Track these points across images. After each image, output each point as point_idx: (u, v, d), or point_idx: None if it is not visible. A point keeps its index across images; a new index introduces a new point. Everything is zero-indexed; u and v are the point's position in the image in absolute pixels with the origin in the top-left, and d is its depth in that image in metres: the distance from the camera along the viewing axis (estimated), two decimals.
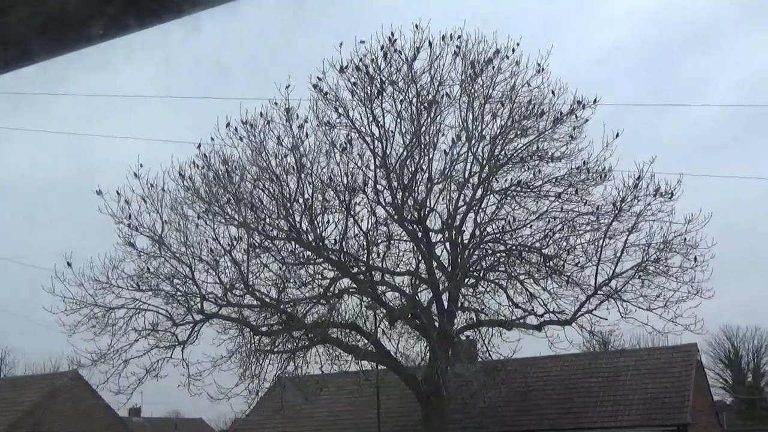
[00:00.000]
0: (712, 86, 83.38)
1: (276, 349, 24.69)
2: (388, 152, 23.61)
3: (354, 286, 24.61)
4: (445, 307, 24.36)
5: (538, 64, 23.24)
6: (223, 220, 24.05)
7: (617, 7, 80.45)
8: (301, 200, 23.66)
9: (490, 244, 25.35)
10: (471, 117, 23.82)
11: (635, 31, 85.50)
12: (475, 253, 25.23)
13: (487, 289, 25.11)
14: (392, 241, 25.07)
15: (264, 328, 24.86)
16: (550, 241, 24.37)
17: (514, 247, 24.89)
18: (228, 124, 23.44)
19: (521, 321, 24.24)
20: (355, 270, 24.67)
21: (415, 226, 24.42)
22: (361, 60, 23.08)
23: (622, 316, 23.28)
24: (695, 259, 22.61)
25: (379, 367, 26.56)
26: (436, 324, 24.16)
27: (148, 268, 24.27)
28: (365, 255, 24.46)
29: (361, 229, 24.36)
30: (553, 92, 23.58)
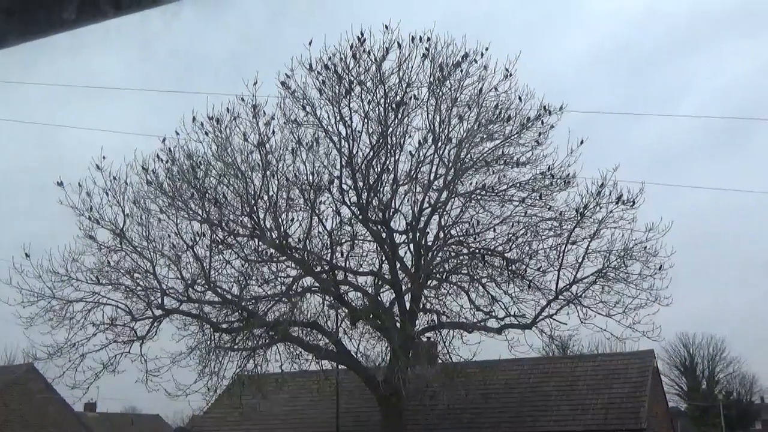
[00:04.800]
0: (685, 96, 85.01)
1: (236, 347, 24.52)
2: (354, 152, 23.63)
3: (317, 284, 24.55)
4: (407, 308, 24.40)
5: (506, 69, 23.42)
6: (186, 216, 23.89)
7: (595, 15, 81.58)
8: (265, 197, 23.59)
9: (453, 246, 25.44)
10: (438, 119, 23.93)
11: (612, 39, 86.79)
12: (439, 255, 25.32)
13: (450, 292, 25.21)
14: (356, 241, 25.07)
15: (224, 325, 24.69)
16: (513, 246, 24.57)
17: (477, 251, 25.01)
18: (194, 119, 23.30)
19: (482, 324, 24.35)
20: (318, 269, 24.62)
21: (379, 227, 24.44)
22: (330, 59, 23.08)
23: (581, 322, 23.55)
24: (660, 267, 22.91)
25: (339, 367, 26.53)
26: (398, 325, 24.20)
27: (109, 262, 24.02)
28: (329, 254, 24.42)
29: (325, 228, 24.35)
30: (520, 98, 23.79)
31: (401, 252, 24.96)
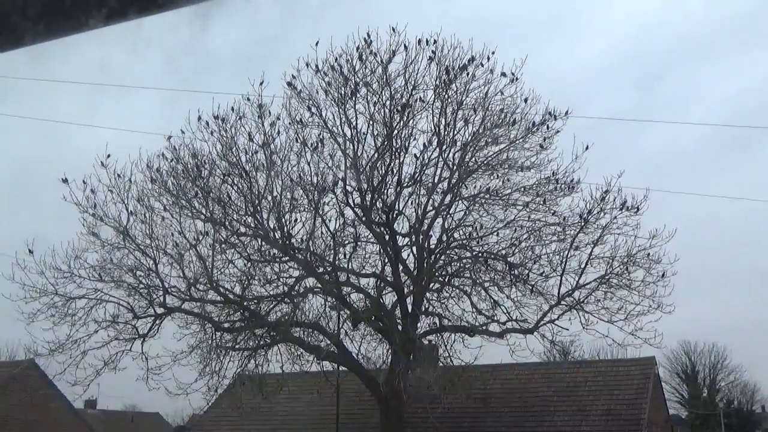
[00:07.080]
0: (693, 104, 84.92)
1: (237, 346, 24.54)
2: (359, 153, 23.62)
3: (319, 285, 24.53)
4: (409, 310, 24.37)
5: (512, 73, 23.37)
6: (189, 214, 23.87)
7: (605, 21, 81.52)
8: (269, 197, 23.59)
9: (456, 249, 25.42)
10: (443, 122, 23.91)
11: (621, 45, 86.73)
12: (441, 258, 25.30)
13: (452, 295, 25.16)
14: (359, 243, 25.05)
15: (226, 325, 24.69)
16: (516, 250, 24.52)
17: (480, 254, 24.98)
18: (199, 118, 23.32)
19: (484, 328, 24.30)
20: (321, 270, 24.60)
21: (382, 229, 24.43)
22: (336, 60, 23.08)
23: (583, 327, 23.47)
24: (663, 275, 22.86)
25: (340, 368, 26.51)
26: (399, 327, 24.18)
27: (111, 259, 24.03)
28: (332, 255, 24.40)
29: (328, 229, 24.33)
30: (525, 100, 23.73)
31: (404, 254, 24.96)
